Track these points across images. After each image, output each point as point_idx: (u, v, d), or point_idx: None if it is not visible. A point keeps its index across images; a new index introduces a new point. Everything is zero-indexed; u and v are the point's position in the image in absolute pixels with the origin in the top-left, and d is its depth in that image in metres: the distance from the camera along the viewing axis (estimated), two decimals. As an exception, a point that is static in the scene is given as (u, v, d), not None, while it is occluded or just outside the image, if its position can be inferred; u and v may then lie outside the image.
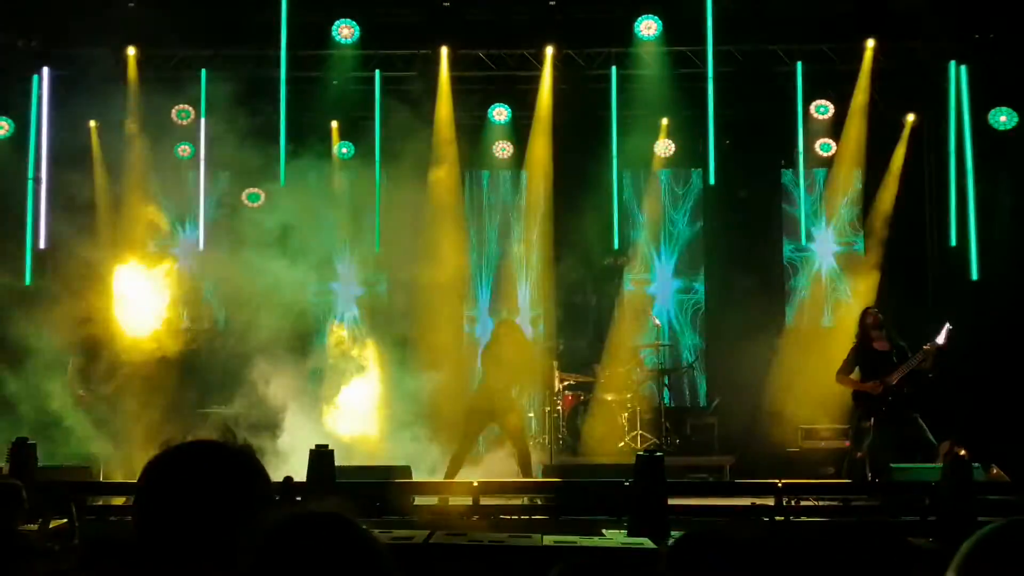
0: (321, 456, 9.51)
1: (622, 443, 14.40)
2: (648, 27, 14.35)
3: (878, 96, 15.07)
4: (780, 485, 10.09)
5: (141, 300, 13.75)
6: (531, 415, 15.03)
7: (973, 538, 1.75)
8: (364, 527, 2.04)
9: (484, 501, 10.02)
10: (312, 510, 2.04)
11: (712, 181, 15.22)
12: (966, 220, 14.54)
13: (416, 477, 11.20)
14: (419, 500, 10.42)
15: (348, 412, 13.07)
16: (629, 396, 14.74)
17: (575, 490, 10.68)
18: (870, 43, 14.74)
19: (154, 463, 2.30)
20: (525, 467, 11.94)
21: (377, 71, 15.34)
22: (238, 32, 14.72)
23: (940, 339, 11.46)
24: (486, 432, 12.77)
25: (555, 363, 14.67)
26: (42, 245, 15.01)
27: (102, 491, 10.87)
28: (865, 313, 12.03)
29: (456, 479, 11.56)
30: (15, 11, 14.28)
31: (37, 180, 15.01)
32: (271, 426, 12.49)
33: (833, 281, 15.60)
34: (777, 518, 9.85)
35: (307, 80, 15.29)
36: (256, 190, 15.38)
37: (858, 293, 14.88)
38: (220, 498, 2.21)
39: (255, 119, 14.95)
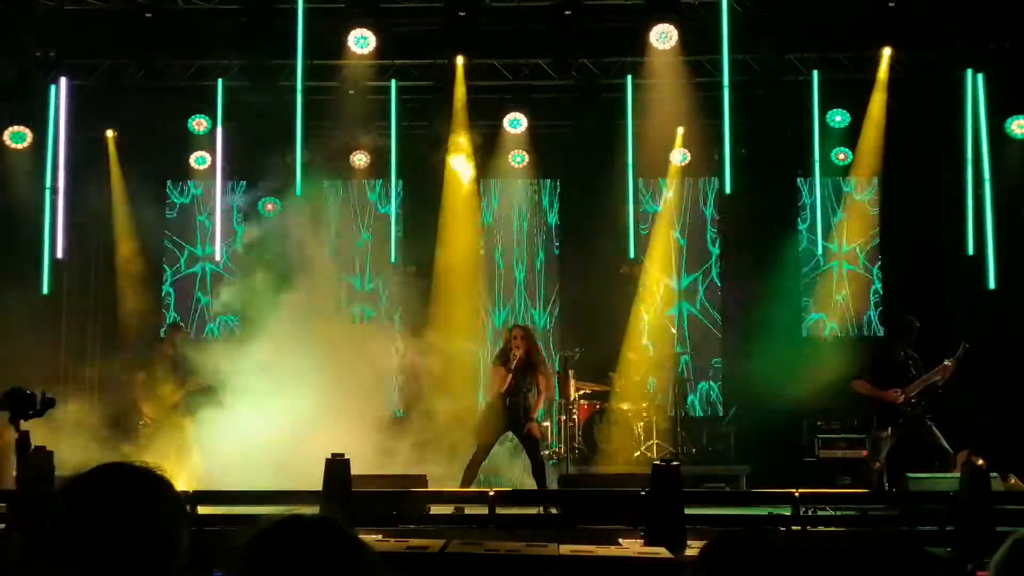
0: (337, 465, 9.50)
1: (638, 452, 14.39)
2: (663, 36, 14.30)
3: (894, 105, 15.03)
4: (797, 495, 10.05)
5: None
6: (547, 424, 15.00)
7: (1012, 538, 1.74)
8: (354, 532, 2.04)
9: (500, 510, 10.00)
10: (301, 514, 2.05)
11: (728, 190, 15.18)
12: (983, 229, 14.48)
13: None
14: (435, 509, 10.42)
15: None
16: (645, 405, 14.73)
17: (591, 499, 10.65)
18: (886, 51, 14.71)
19: (64, 491, 2.30)
20: (539, 479, 11.88)
21: (393, 80, 15.38)
22: (254, 42, 14.76)
23: (958, 355, 11.45)
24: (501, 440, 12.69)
25: (571, 372, 14.65)
26: (59, 255, 15.09)
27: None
28: (911, 328, 11.70)
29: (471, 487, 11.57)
30: (32, 22, 14.35)
31: (55, 190, 15.09)
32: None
33: (849, 290, 15.54)
34: (794, 528, 9.82)
35: (323, 90, 15.33)
36: (273, 199, 15.43)
37: (874, 302, 14.83)
38: (130, 518, 2.24)
39: (271, 129, 15.02)
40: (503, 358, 12.30)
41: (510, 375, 12.11)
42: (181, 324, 15.45)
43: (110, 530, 2.23)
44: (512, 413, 12.11)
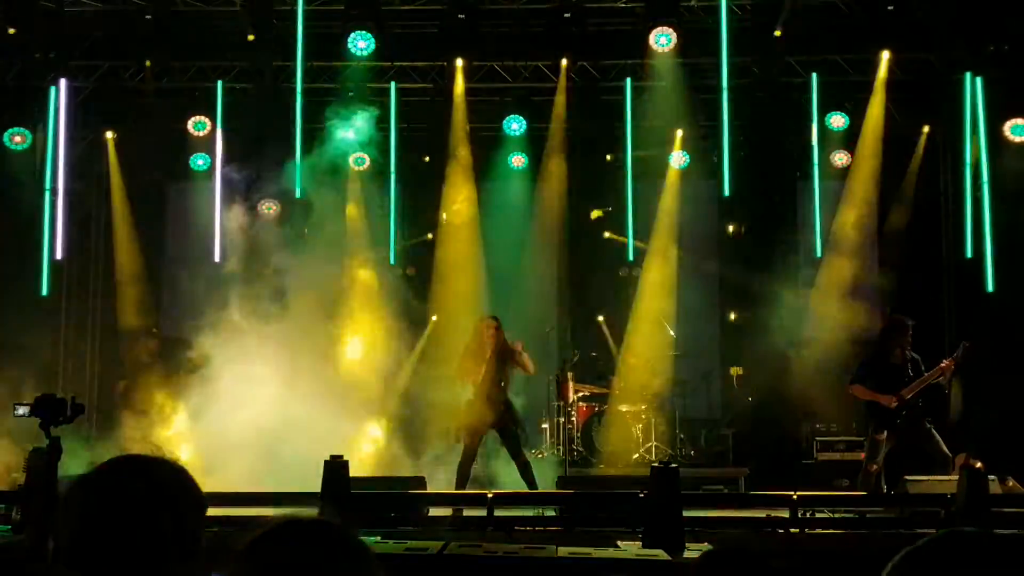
0: (336, 467, 9.51)
1: (637, 455, 14.39)
2: (663, 39, 14.29)
3: (893, 107, 15.05)
4: (795, 497, 10.06)
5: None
6: (545, 426, 15.00)
7: (905, 550, 1.75)
8: (353, 533, 2.04)
9: (498, 512, 10.01)
10: (299, 517, 2.05)
11: (727, 192, 15.19)
12: (982, 232, 14.48)
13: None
14: (433, 511, 10.43)
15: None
16: (644, 407, 14.72)
17: (590, 501, 10.67)
18: (885, 54, 14.73)
19: (87, 479, 2.26)
20: (528, 479, 11.82)
21: (393, 83, 15.39)
22: (254, 43, 14.77)
23: (957, 355, 11.38)
24: (485, 439, 12.58)
25: (570, 374, 14.65)
26: (59, 256, 15.09)
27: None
28: (903, 327, 11.55)
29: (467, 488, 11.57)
30: (32, 23, 14.36)
31: (54, 191, 15.09)
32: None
33: (848, 292, 15.52)
34: (792, 530, 9.83)
35: (323, 91, 15.34)
36: (272, 200, 15.44)
37: (873, 305, 14.83)
38: (153, 509, 2.20)
39: (271, 130, 15.02)
40: (475, 349, 12.15)
41: (483, 366, 11.98)
42: (155, 331, 15.50)
43: (142, 526, 2.18)
44: (494, 409, 11.94)
